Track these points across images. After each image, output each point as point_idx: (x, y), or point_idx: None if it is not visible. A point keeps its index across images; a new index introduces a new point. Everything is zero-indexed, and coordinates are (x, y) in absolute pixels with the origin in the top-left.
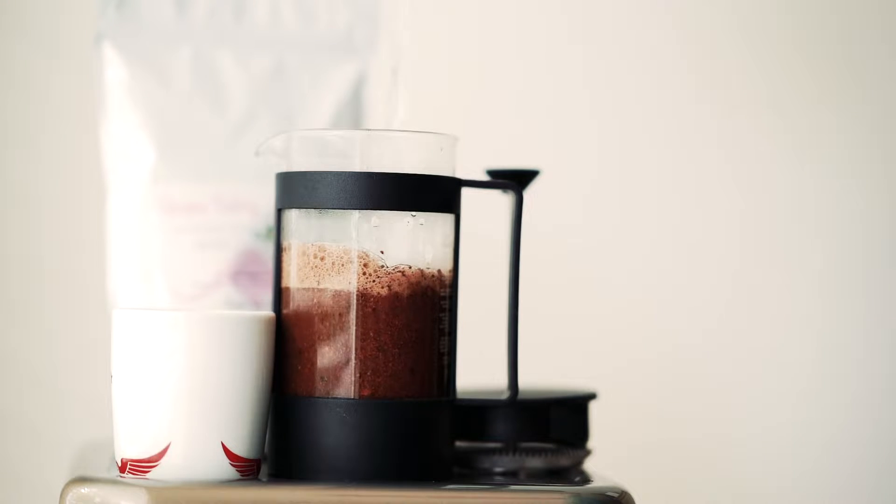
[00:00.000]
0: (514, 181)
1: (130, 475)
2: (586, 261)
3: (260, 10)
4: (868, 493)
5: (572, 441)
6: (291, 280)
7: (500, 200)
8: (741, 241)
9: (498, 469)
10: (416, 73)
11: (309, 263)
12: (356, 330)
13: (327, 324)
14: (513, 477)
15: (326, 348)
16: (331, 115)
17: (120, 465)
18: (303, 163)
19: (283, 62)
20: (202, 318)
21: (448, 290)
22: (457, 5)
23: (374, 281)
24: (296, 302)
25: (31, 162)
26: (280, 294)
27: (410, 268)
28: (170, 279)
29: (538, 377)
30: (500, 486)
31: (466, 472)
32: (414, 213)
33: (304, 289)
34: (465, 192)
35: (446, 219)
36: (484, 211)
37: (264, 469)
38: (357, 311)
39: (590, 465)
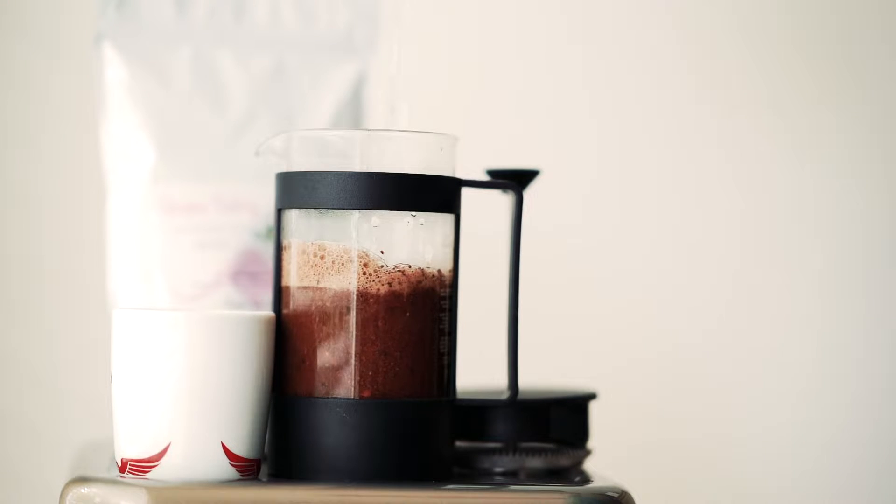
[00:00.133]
0: (514, 181)
1: (130, 475)
2: (586, 261)
3: (260, 10)
4: (868, 493)
5: (572, 441)
6: (291, 279)
7: (500, 200)
8: (741, 241)
9: (498, 469)
10: (417, 73)
11: (309, 262)
12: (356, 330)
13: (327, 324)
14: (513, 477)
15: (326, 348)
16: (331, 115)
17: (120, 465)
18: (303, 163)
19: (283, 62)
20: (202, 318)
21: (448, 290)
22: (457, 5)
23: (374, 281)
24: (296, 302)
25: (32, 162)
26: (280, 294)
27: (410, 267)
28: (170, 279)
29: (538, 377)
30: (500, 486)
31: (466, 472)
32: (414, 213)
33: (303, 288)
34: (465, 192)
35: (446, 219)
36: (484, 211)
37: (264, 469)
38: (357, 311)
39: (590, 465)
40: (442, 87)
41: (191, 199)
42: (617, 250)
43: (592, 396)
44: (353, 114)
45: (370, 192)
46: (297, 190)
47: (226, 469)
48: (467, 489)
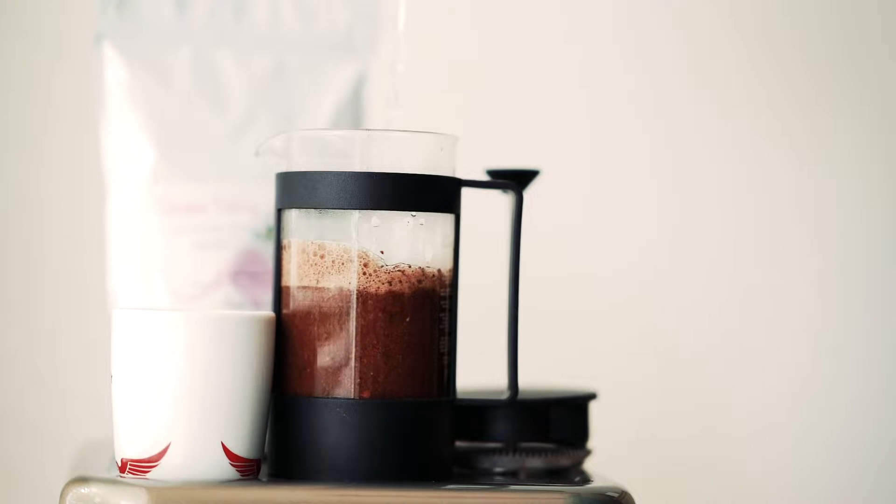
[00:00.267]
0: (514, 181)
1: (130, 475)
2: (586, 260)
3: (260, 10)
4: (867, 493)
5: (572, 441)
6: (291, 279)
7: (500, 200)
8: (741, 240)
9: (498, 469)
10: (416, 73)
11: (309, 261)
12: (356, 330)
13: (327, 324)
14: (513, 477)
15: (326, 348)
16: (331, 115)
17: (120, 465)
18: (303, 163)
19: (283, 62)
20: (202, 318)
21: (448, 289)
22: (457, 5)
23: (374, 281)
24: (296, 302)
25: (32, 162)
26: (280, 294)
27: (410, 267)
28: (170, 279)
29: (538, 377)
30: (500, 486)
31: (466, 472)
32: (414, 213)
33: (303, 288)
34: (465, 192)
35: (446, 219)
36: (484, 211)
37: (264, 469)
38: (357, 311)
39: (590, 465)
40: (442, 86)
41: (191, 199)
42: (617, 250)
43: (592, 396)
44: (353, 114)
45: (370, 192)
46: (297, 190)
47: (226, 469)
48: (467, 489)
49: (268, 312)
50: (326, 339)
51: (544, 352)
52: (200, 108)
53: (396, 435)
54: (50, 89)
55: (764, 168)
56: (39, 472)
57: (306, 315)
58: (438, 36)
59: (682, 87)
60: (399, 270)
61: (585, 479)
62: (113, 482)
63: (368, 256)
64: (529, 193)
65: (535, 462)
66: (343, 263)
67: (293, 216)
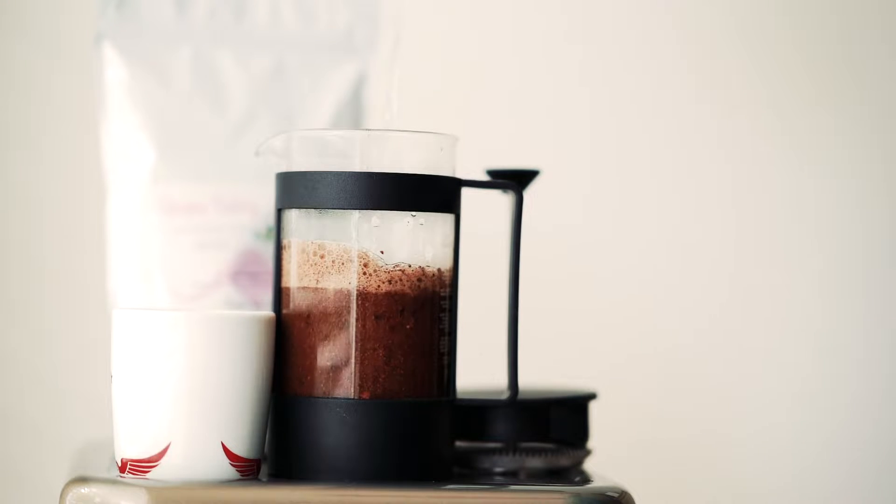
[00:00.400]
0: (514, 181)
1: (130, 475)
2: (586, 260)
3: (260, 10)
4: (867, 492)
5: (572, 441)
6: (291, 279)
7: (500, 200)
8: (741, 240)
9: (498, 469)
10: (417, 73)
11: (308, 261)
12: (356, 330)
13: (327, 324)
14: (513, 477)
15: (326, 348)
16: (331, 115)
17: (120, 465)
18: (303, 163)
19: (283, 62)
20: (202, 318)
21: (448, 289)
22: (457, 5)
23: (374, 280)
24: (296, 302)
25: (32, 162)
26: (280, 294)
27: (410, 267)
28: (170, 279)
29: (538, 377)
30: (500, 486)
31: (466, 472)
32: (414, 213)
33: (303, 288)
34: (465, 192)
35: (446, 219)
36: (484, 211)
37: (264, 469)
38: (357, 311)
39: (590, 465)
40: (442, 86)
41: (191, 200)
42: (617, 250)
43: (592, 396)
44: (353, 114)
45: (370, 192)
46: (297, 190)
47: (226, 469)
48: (467, 489)
49: (268, 312)
50: (326, 339)
51: (544, 352)
52: (200, 108)
53: (396, 435)
54: (50, 89)
55: (764, 168)
56: (39, 472)
57: (306, 315)
58: (438, 36)
59: (682, 87)
60: (399, 270)
61: (585, 479)
62: (113, 482)
63: (368, 256)
64: (529, 193)
65: (535, 462)
66: (343, 263)
67: (293, 216)
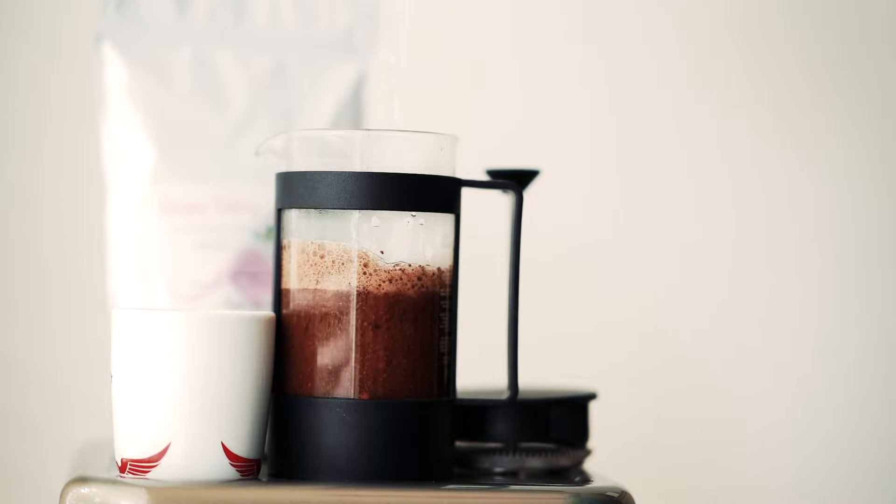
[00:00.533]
0: (514, 181)
1: (130, 475)
2: (586, 260)
3: (260, 10)
4: (867, 492)
5: (572, 441)
6: (291, 279)
7: (500, 200)
8: (740, 240)
9: (498, 469)
10: (416, 73)
11: (308, 261)
12: (356, 330)
13: (327, 323)
14: (513, 477)
15: (326, 348)
16: (331, 115)
17: (120, 465)
18: (303, 163)
19: (283, 62)
20: (202, 318)
21: (448, 289)
22: (457, 5)
23: (374, 280)
24: (296, 301)
25: (32, 162)
26: (280, 294)
27: (410, 266)
28: (170, 279)
29: (538, 377)
30: (500, 486)
31: (466, 472)
32: (414, 213)
33: (303, 288)
34: (465, 192)
35: (446, 219)
36: (484, 211)
37: (264, 469)
38: (357, 311)
39: (590, 465)
40: (442, 86)
41: (191, 200)
42: (616, 250)
43: (592, 396)
44: (353, 114)
45: (370, 192)
46: (297, 190)
47: (226, 469)
48: (467, 489)
49: (268, 312)
50: (326, 339)
51: (544, 352)
52: (200, 108)
53: (396, 435)
54: (50, 89)
55: (764, 168)
56: (39, 472)
57: (306, 315)
58: (438, 36)
59: (682, 87)
60: (399, 270)
61: (585, 479)
62: (113, 482)
63: (368, 256)
64: (529, 193)
65: (535, 462)
66: (343, 263)
67: (293, 216)
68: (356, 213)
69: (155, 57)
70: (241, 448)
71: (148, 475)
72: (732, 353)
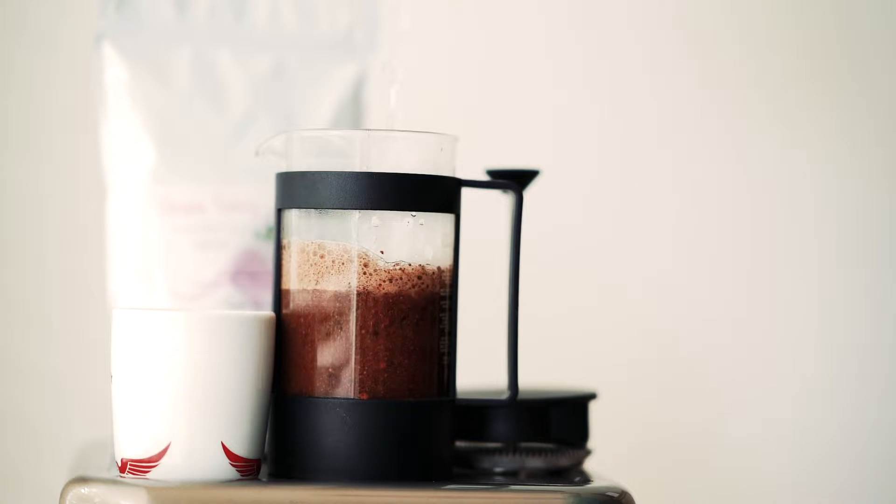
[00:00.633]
0: (514, 181)
1: (130, 475)
2: (586, 260)
3: (260, 10)
4: (867, 493)
5: (572, 441)
6: (291, 279)
7: (500, 200)
8: (741, 240)
9: (498, 469)
10: (416, 73)
11: (308, 260)
12: (356, 330)
13: (327, 323)
14: (513, 477)
15: (326, 348)
16: (331, 115)
17: (120, 465)
18: (303, 163)
19: (283, 62)
20: (202, 318)
21: (448, 289)
22: (457, 5)
23: (374, 280)
24: (295, 301)
25: (32, 162)
26: (280, 293)
27: (410, 266)
28: (170, 279)
29: (538, 377)
30: (500, 486)
31: (466, 472)
32: (414, 213)
33: (303, 287)
34: (465, 192)
35: (446, 219)
36: (484, 211)
37: (264, 469)
38: (357, 311)
39: (590, 465)
40: (442, 86)
41: (191, 199)
42: (617, 250)
43: (592, 396)
44: (353, 114)
45: (370, 192)
46: (297, 190)
47: (226, 469)
48: (467, 489)
49: (268, 312)
50: (326, 338)
51: (544, 352)
52: (200, 108)
53: (396, 435)
54: (50, 89)
55: (764, 168)
56: (39, 472)
57: (306, 315)
58: (438, 36)
59: (683, 87)
60: (399, 269)
61: (585, 479)
62: (113, 482)
63: (368, 256)
64: (529, 193)
65: (535, 462)
66: (343, 263)
67: (293, 216)
68: (356, 213)
69: (155, 57)
70: (241, 448)
71: (148, 475)
72: (732, 353)
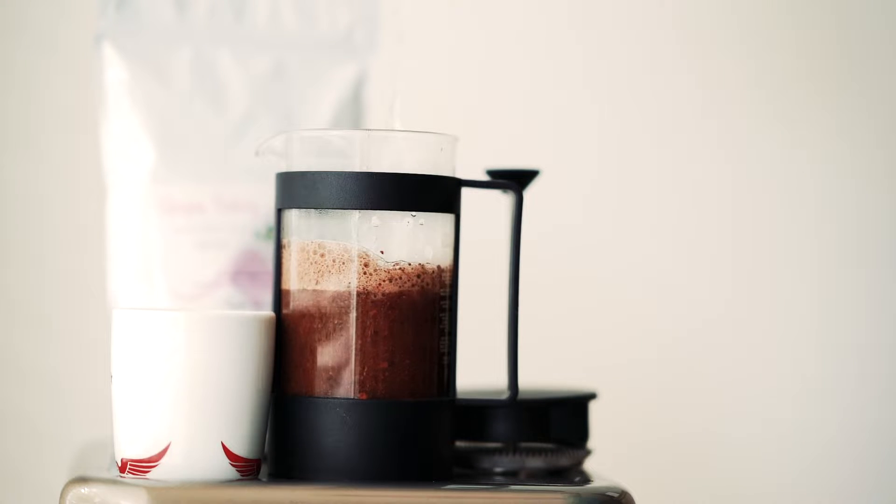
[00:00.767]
0: (514, 181)
1: (130, 475)
2: (586, 260)
3: (260, 10)
4: (867, 493)
5: (572, 441)
6: (291, 279)
7: (500, 200)
8: (741, 241)
9: (498, 469)
10: (416, 73)
11: (308, 260)
12: (356, 329)
13: (327, 323)
14: (513, 477)
15: (326, 348)
16: (331, 115)
17: (120, 465)
18: (303, 163)
19: (283, 62)
20: (202, 318)
21: (448, 289)
22: (457, 5)
23: (374, 280)
24: (295, 301)
25: (32, 162)
26: (280, 293)
27: (410, 265)
28: (170, 279)
29: (538, 377)
30: (500, 486)
31: (466, 472)
32: (414, 213)
33: (303, 287)
34: (465, 192)
35: (446, 219)
36: (484, 211)
37: (264, 469)
38: (357, 311)
39: (590, 465)
40: (442, 86)
41: (191, 199)
42: (617, 250)
43: (592, 396)
44: (353, 114)
45: (370, 192)
46: (297, 190)
47: (226, 469)
48: (467, 489)
49: (268, 312)
50: (326, 338)
51: (544, 352)
52: (200, 108)
53: (396, 435)
54: (50, 89)
55: (764, 168)
56: (39, 472)
57: (306, 315)
58: (439, 36)
59: (683, 87)
60: (399, 269)
61: (585, 479)
62: (113, 482)
63: (368, 256)
64: (529, 193)
65: (535, 462)
66: (343, 263)
67: (293, 216)
68: (356, 213)
69: (155, 57)
70: (241, 448)
71: (148, 475)
72: (732, 353)
